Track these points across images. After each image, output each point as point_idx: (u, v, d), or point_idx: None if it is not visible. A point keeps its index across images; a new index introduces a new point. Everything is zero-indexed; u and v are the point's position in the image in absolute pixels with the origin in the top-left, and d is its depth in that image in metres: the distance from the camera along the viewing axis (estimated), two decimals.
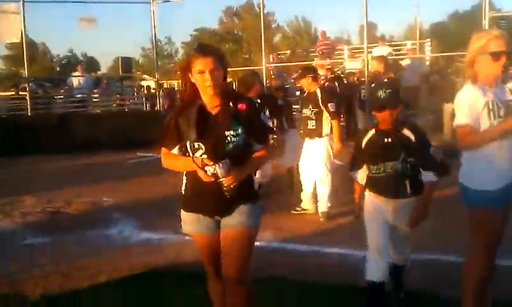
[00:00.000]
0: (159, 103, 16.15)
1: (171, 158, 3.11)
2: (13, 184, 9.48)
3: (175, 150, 3.07)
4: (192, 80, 2.94)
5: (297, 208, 6.89)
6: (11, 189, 8.83)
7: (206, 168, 2.81)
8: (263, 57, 14.29)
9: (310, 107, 6.58)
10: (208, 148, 2.91)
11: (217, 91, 2.90)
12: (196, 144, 2.93)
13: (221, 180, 2.79)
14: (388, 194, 3.58)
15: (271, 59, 17.88)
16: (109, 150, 13.01)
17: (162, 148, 3.12)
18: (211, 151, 2.90)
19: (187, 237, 5.83)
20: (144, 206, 7.63)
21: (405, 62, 15.08)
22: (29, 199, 8.18)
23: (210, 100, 2.96)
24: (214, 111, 2.96)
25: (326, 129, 6.52)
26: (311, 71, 6.94)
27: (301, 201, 6.92)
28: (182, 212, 3.14)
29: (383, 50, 14.90)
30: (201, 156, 2.91)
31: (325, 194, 6.53)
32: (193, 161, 2.85)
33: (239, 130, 2.93)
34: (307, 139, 6.72)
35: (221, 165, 2.77)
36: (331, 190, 6.57)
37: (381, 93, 3.53)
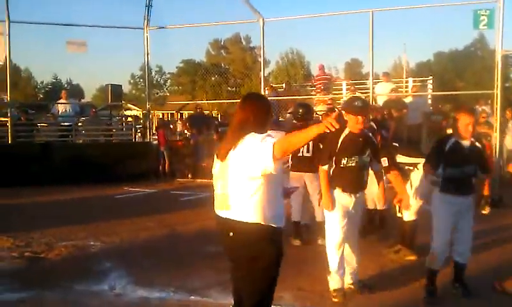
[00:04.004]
0: (149, 135, 15.33)
1: None
2: None
3: None
4: None
5: None
6: None
7: None
8: (261, 88, 13.77)
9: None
10: None
11: None
12: None
13: None
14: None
15: (266, 93, 17.18)
16: (95, 183, 12.08)
17: None
18: None
19: (192, 297, 5.12)
20: (138, 253, 6.70)
21: (407, 100, 14.48)
22: (4, 241, 7.19)
23: None
24: None
25: None
26: None
27: None
28: None
29: (386, 86, 14.30)
30: None
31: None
32: None
33: None
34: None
35: None
36: None
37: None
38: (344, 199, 4.94)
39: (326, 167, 4.97)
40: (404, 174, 6.03)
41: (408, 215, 6.23)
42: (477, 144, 4.91)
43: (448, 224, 4.90)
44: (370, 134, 5.16)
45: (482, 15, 10.72)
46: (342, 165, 4.90)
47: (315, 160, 5.78)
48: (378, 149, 5.25)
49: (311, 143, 6.75)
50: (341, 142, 4.89)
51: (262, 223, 3.07)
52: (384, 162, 5.52)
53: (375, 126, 6.95)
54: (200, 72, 46.24)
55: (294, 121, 7.77)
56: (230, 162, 3.12)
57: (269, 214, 3.10)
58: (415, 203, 6.10)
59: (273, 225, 3.12)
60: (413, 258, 6.21)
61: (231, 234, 3.14)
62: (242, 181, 3.08)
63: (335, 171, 4.95)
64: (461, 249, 5.00)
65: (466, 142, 4.83)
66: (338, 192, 4.94)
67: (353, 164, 4.90)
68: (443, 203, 4.91)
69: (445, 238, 4.92)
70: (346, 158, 4.89)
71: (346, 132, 4.90)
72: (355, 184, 4.98)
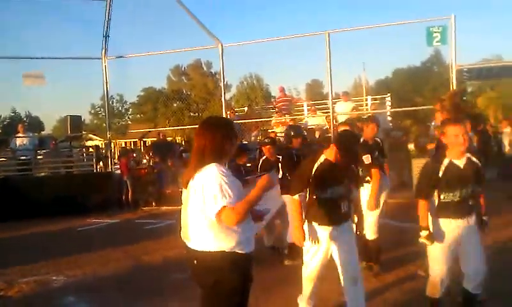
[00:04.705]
0: (111, 164, 15.09)
1: None
2: None
3: None
4: None
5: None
6: None
7: None
8: (223, 112, 13.84)
9: None
10: None
11: None
12: None
13: None
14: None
15: (228, 116, 17.26)
16: (57, 216, 11.79)
17: None
18: None
19: None
20: (102, 286, 6.53)
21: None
22: None
23: None
24: None
25: None
26: None
27: None
28: None
29: (346, 105, 14.54)
30: None
31: None
32: None
33: None
34: None
35: None
36: None
37: None
38: (322, 234, 4.44)
39: (297, 197, 4.45)
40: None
41: (370, 234, 6.28)
42: (474, 159, 4.30)
43: (448, 252, 4.32)
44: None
45: (435, 32, 11.05)
46: (315, 197, 4.43)
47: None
48: (356, 176, 5.00)
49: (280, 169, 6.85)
50: (315, 171, 4.37)
51: (225, 250, 3.03)
52: (367, 159, 5.62)
53: (381, 143, 6.89)
54: (161, 99, 46.15)
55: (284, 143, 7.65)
56: (190, 192, 3.10)
57: (233, 241, 3.05)
58: (373, 221, 6.18)
59: (238, 251, 3.07)
60: (379, 273, 6.25)
61: (195, 262, 3.11)
62: (199, 214, 3.06)
63: (309, 202, 4.48)
64: (471, 272, 4.36)
65: (460, 161, 4.25)
66: (314, 226, 4.46)
67: (327, 196, 4.40)
68: (440, 229, 4.31)
69: (444, 266, 4.34)
70: (319, 190, 4.41)
71: (321, 159, 4.40)
72: (332, 217, 4.43)
